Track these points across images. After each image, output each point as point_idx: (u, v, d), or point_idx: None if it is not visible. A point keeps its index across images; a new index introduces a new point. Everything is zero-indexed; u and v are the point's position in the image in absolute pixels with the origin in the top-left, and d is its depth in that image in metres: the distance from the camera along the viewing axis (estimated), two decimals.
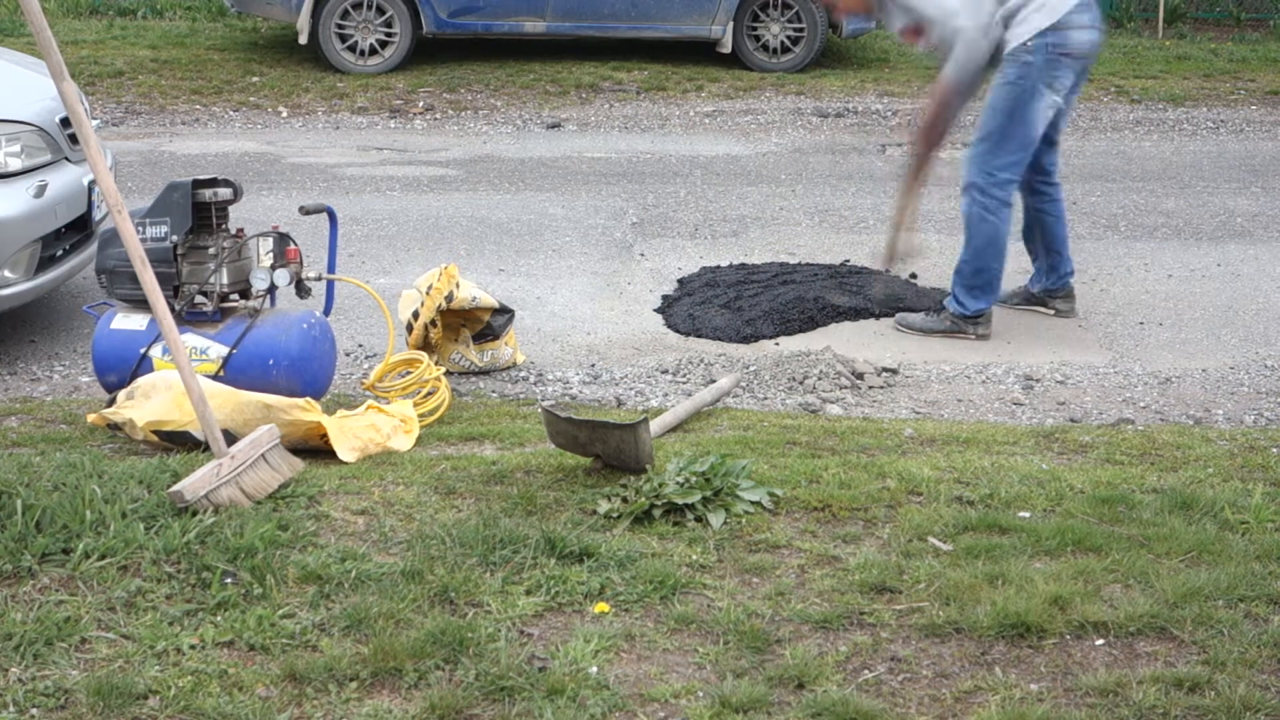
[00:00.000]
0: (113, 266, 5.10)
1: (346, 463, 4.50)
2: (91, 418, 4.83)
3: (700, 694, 3.26)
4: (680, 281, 7.14)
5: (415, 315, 5.66)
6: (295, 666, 3.27)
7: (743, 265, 7.37)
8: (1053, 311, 6.79)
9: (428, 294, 5.64)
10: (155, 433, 4.59)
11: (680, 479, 4.12)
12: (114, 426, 4.69)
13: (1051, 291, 6.79)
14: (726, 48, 12.43)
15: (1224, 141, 11.00)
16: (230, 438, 4.17)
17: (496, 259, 7.52)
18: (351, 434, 4.62)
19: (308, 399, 4.69)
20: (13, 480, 3.88)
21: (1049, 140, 6.48)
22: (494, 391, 5.75)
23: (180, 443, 4.53)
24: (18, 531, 3.66)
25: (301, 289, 5.23)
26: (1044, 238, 6.71)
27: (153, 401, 4.61)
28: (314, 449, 4.55)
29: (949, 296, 6.52)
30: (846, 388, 5.78)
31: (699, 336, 6.43)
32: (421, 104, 11.46)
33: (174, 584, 3.57)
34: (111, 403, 4.79)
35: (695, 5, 12.27)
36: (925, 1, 6.21)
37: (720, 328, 6.47)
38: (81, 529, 3.69)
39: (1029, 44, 6.15)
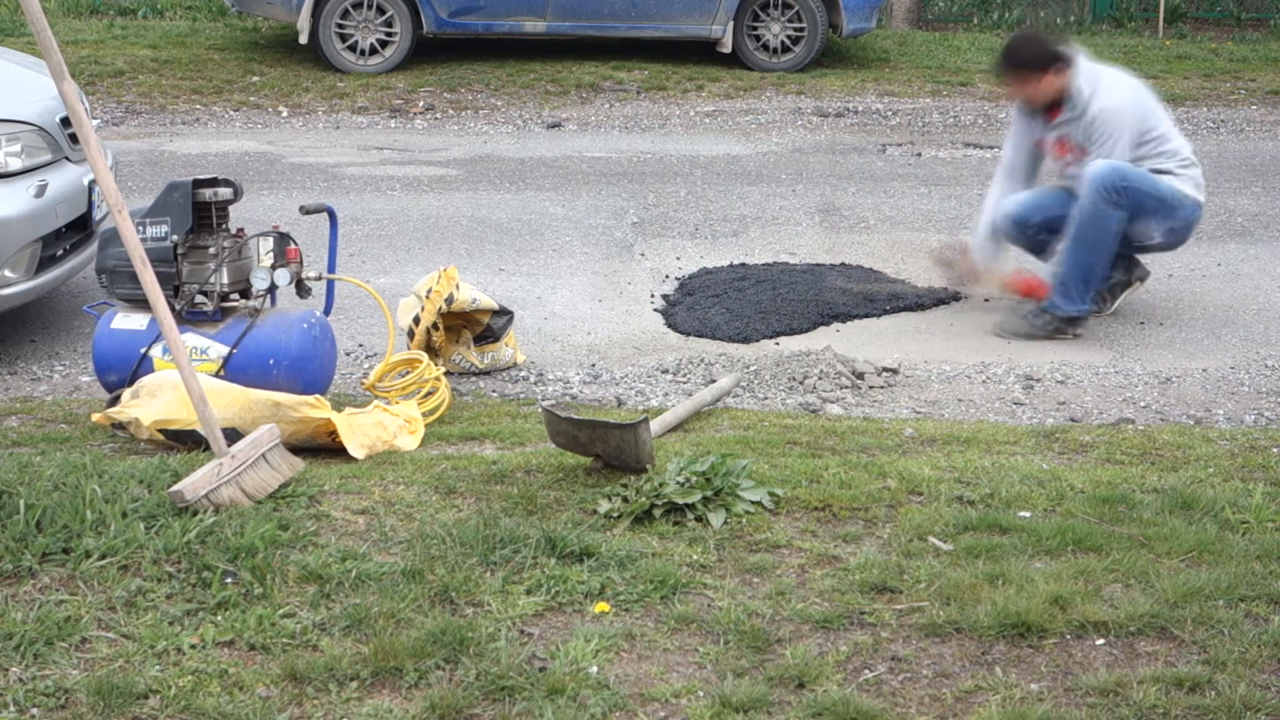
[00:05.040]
0: (113, 266, 5.10)
1: (347, 462, 4.50)
2: (96, 417, 4.83)
3: (700, 693, 3.26)
4: (680, 281, 7.14)
5: (416, 320, 5.65)
6: (295, 666, 3.27)
7: (742, 265, 7.37)
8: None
9: (427, 298, 5.64)
10: (162, 431, 4.59)
11: (680, 479, 4.12)
12: (118, 426, 4.69)
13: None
14: (727, 47, 12.42)
15: (1224, 141, 11.00)
16: (239, 436, 4.17)
17: (497, 259, 7.51)
18: (360, 431, 4.63)
19: (316, 396, 4.70)
20: (13, 480, 3.88)
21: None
22: (494, 391, 5.75)
23: (186, 441, 4.53)
24: (18, 531, 3.66)
25: (302, 289, 5.23)
26: None
27: (159, 400, 4.61)
28: (314, 448, 4.55)
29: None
30: (847, 388, 5.78)
31: (699, 336, 6.42)
32: (422, 104, 11.46)
33: (174, 584, 3.57)
34: (114, 402, 4.79)
35: (695, 5, 12.26)
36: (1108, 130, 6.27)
37: (720, 327, 6.46)
38: (82, 529, 3.69)
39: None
